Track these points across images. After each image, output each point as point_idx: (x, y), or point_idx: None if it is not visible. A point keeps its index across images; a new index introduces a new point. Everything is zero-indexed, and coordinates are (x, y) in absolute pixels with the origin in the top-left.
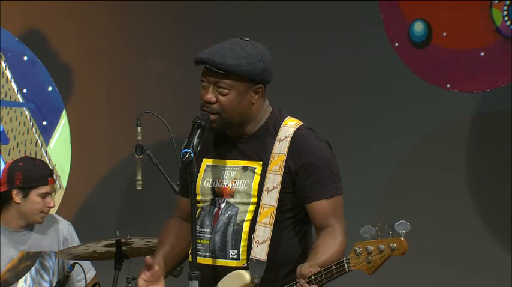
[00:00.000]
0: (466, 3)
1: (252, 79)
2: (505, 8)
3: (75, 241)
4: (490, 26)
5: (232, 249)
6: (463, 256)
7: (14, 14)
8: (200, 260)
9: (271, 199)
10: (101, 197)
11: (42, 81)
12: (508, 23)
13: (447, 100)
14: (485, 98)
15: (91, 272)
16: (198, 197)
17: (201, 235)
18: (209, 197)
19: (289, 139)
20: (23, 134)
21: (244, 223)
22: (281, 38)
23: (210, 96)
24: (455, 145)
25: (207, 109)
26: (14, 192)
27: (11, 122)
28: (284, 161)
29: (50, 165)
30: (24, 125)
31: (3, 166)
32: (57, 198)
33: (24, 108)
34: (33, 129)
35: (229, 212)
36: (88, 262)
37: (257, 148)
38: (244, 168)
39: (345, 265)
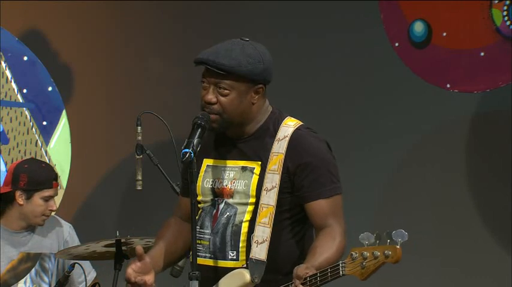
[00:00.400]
0: (466, 3)
1: (252, 79)
2: (505, 8)
3: (75, 243)
4: (490, 26)
5: (231, 250)
6: (463, 256)
7: (14, 14)
8: (200, 261)
9: (270, 198)
10: (101, 197)
11: (42, 81)
12: (508, 23)
13: (447, 100)
14: (485, 98)
15: (92, 274)
16: (199, 198)
17: (201, 235)
18: (209, 198)
19: (287, 139)
20: (23, 134)
21: (243, 224)
22: (281, 38)
23: (211, 96)
24: (455, 145)
25: (208, 110)
26: (18, 193)
27: (11, 122)
28: (282, 160)
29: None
30: (24, 125)
31: (3, 166)
32: (57, 198)
33: (24, 108)
34: (33, 129)
35: (228, 213)
36: (88, 263)
37: (256, 147)
38: (243, 168)
39: (340, 269)
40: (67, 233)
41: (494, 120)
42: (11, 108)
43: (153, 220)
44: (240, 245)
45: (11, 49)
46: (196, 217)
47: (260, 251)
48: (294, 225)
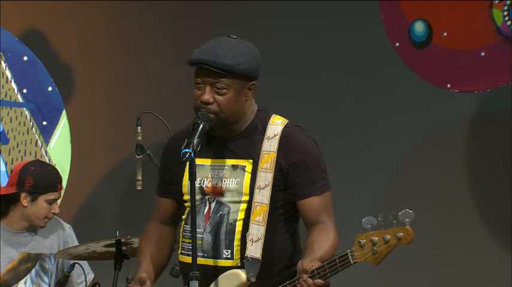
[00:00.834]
0: (467, 3)
1: (248, 77)
2: (506, 8)
3: (75, 243)
4: (491, 26)
5: (225, 249)
6: (463, 256)
7: (14, 14)
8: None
9: (263, 197)
10: (101, 197)
11: (42, 81)
12: (509, 23)
13: (447, 100)
14: (485, 98)
15: (90, 275)
16: (185, 197)
17: (192, 235)
18: (198, 197)
19: (278, 137)
20: (23, 134)
21: (237, 223)
22: (281, 38)
23: (208, 97)
24: (455, 145)
25: (204, 110)
26: (23, 195)
27: (11, 122)
28: (275, 159)
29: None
30: (24, 125)
31: (3, 166)
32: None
33: (24, 108)
34: (33, 129)
35: (220, 212)
36: (87, 265)
37: (246, 146)
38: (234, 167)
39: (349, 257)
40: (67, 234)
41: (494, 120)
42: (11, 108)
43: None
44: (235, 243)
45: (11, 49)
46: (184, 217)
47: (255, 250)
48: (286, 222)
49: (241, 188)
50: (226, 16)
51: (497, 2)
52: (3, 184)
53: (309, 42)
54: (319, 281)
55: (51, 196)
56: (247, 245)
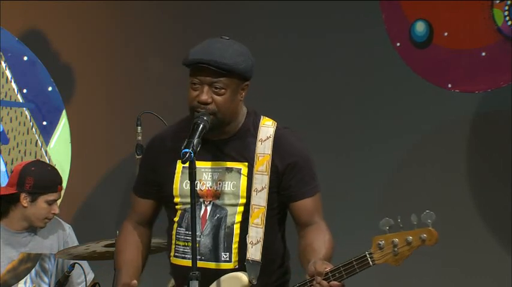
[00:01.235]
0: (467, 3)
1: (244, 77)
2: (506, 8)
3: (75, 243)
4: (491, 26)
5: (224, 252)
6: (463, 256)
7: (14, 14)
8: (187, 263)
9: (260, 199)
10: (101, 197)
11: (42, 81)
12: (509, 23)
13: (447, 100)
14: (485, 98)
15: (90, 275)
16: (177, 199)
17: (188, 238)
18: (189, 199)
19: (271, 139)
20: (23, 134)
21: (235, 225)
22: (281, 38)
23: (206, 97)
24: (455, 145)
25: (203, 110)
26: (23, 196)
27: (11, 122)
28: (270, 161)
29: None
30: (24, 125)
31: (3, 166)
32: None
33: (24, 108)
34: (33, 129)
35: (218, 215)
36: (87, 265)
37: (239, 148)
38: (229, 169)
39: (368, 259)
40: (67, 234)
41: (495, 120)
42: (11, 108)
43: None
44: (233, 246)
45: (11, 49)
46: (176, 219)
47: (255, 252)
48: (279, 223)
49: (237, 191)
50: (226, 16)
51: (497, 2)
52: (3, 184)
53: (309, 42)
54: (335, 283)
55: (51, 196)
56: (247, 248)
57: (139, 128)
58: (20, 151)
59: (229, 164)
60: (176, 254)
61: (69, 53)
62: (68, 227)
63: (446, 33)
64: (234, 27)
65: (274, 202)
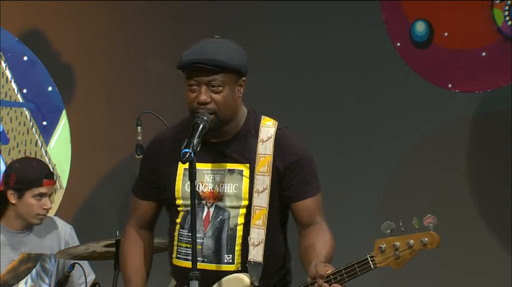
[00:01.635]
0: (467, 3)
1: (240, 72)
2: (506, 8)
3: (75, 244)
4: (491, 26)
5: (227, 254)
6: (463, 256)
7: (14, 14)
8: (190, 264)
9: (262, 200)
10: (101, 197)
11: (42, 81)
12: (509, 23)
13: (447, 100)
14: (485, 98)
15: (91, 276)
16: (179, 202)
17: (190, 239)
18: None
19: (272, 140)
20: (23, 134)
21: (238, 227)
22: (281, 38)
23: (205, 97)
24: (455, 145)
25: (203, 110)
26: (9, 193)
27: (11, 122)
28: (271, 162)
29: (49, 166)
30: (24, 125)
31: (3, 166)
32: (57, 198)
33: (24, 108)
34: (33, 129)
35: (220, 217)
36: (88, 265)
37: (241, 149)
38: (231, 171)
39: (370, 262)
40: (68, 235)
41: (495, 120)
42: (11, 108)
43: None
44: (236, 248)
45: (11, 49)
46: (178, 220)
47: (257, 254)
48: (280, 224)
49: (240, 193)
50: (226, 16)
51: (498, 2)
52: None
53: (309, 42)
54: (336, 285)
55: (36, 191)
56: (249, 249)
57: (139, 128)
58: (20, 151)
59: (231, 166)
60: (178, 255)
61: (69, 53)
62: (69, 227)
63: (446, 33)
64: (234, 27)
65: (276, 203)
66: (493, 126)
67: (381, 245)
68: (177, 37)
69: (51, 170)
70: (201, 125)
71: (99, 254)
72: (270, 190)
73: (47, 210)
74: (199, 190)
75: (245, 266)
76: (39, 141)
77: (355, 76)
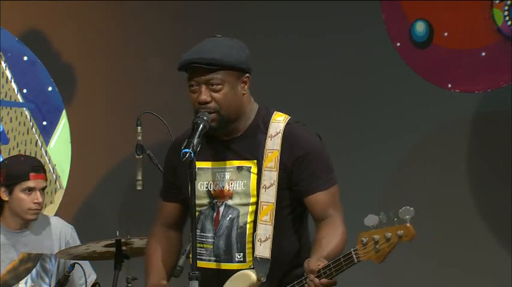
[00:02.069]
0: (467, 3)
1: (240, 69)
2: (506, 8)
3: (76, 244)
4: (491, 26)
5: (238, 252)
6: (463, 256)
7: (14, 14)
8: (204, 264)
9: (269, 196)
10: (101, 197)
11: (42, 81)
12: (509, 23)
13: (447, 100)
14: (485, 98)
15: (92, 276)
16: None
17: (203, 239)
18: (206, 201)
19: (280, 135)
20: (23, 134)
21: (247, 225)
22: (281, 38)
23: (205, 96)
24: (455, 145)
25: (205, 110)
26: (1, 190)
27: (11, 122)
28: (278, 157)
29: (39, 160)
30: (24, 125)
31: None
32: (57, 198)
33: (24, 108)
34: (33, 129)
35: (230, 215)
36: (89, 265)
37: (249, 146)
38: (239, 168)
39: (353, 256)
40: (69, 235)
41: (495, 120)
42: (11, 108)
43: (153, 220)
44: (247, 246)
45: (11, 49)
46: None
47: (264, 250)
48: (294, 220)
49: (248, 190)
50: (226, 16)
51: (497, 2)
52: None
53: (309, 42)
54: (324, 280)
55: (24, 185)
56: (255, 245)
57: (139, 128)
58: (20, 151)
59: (239, 163)
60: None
61: (69, 53)
62: (70, 227)
63: (446, 33)
64: (234, 27)
65: (285, 199)
66: (493, 126)
67: (363, 239)
68: (177, 37)
69: (40, 165)
70: (201, 125)
71: (99, 254)
72: (278, 185)
73: (39, 204)
74: (211, 189)
75: None
76: (39, 141)
77: (355, 76)
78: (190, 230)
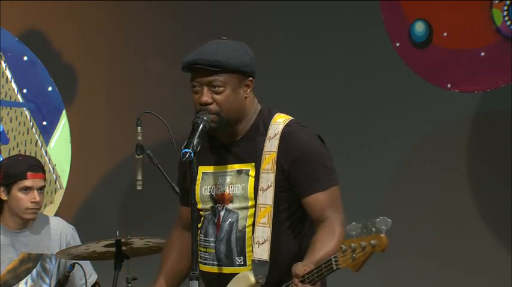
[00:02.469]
0: (467, 3)
1: (242, 72)
2: (505, 8)
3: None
4: (490, 26)
5: (238, 256)
6: (463, 256)
7: (14, 14)
8: (207, 268)
9: (266, 198)
10: (101, 197)
11: (42, 81)
12: (508, 23)
13: (447, 100)
14: (485, 98)
15: (93, 277)
16: (199, 206)
17: (206, 244)
18: (209, 205)
19: (278, 136)
20: (23, 134)
21: (247, 229)
22: (281, 38)
23: (206, 97)
24: (455, 145)
25: (205, 111)
26: (1, 190)
27: (11, 122)
28: (275, 159)
29: (38, 160)
30: (24, 125)
31: None
32: (57, 198)
33: (24, 108)
34: (33, 129)
35: (230, 219)
36: (90, 265)
37: (249, 149)
38: (239, 172)
39: (333, 263)
40: (70, 235)
41: (495, 120)
42: (11, 108)
43: (153, 220)
44: (247, 250)
45: (11, 49)
46: (199, 225)
47: (262, 252)
48: (294, 223)
49: (246, 193)
50: (226, 16)
51: (497, 2)
52: None
53: (309, 42)
54: (307, 285)
55: (21, 184)
56: (253, 248)
57: (139, 128)
58: (20, 151)
59: (239, 167)
60: (200, 260)
61: (69, 53)
62: (71, 228)
63: (445, 34)
64: (234, 27)
65: (283, 201)
66: (493, 126)
67: (342, 246)
68: (177, 37)
69: (38, 164)
70: (201, 125)
71: (99, 254)
72: (275, 187)
73: (36, 203)
74: (213, 193)
75: None
76: (39, 141)
77: (355, 76)
78: (191, 231)
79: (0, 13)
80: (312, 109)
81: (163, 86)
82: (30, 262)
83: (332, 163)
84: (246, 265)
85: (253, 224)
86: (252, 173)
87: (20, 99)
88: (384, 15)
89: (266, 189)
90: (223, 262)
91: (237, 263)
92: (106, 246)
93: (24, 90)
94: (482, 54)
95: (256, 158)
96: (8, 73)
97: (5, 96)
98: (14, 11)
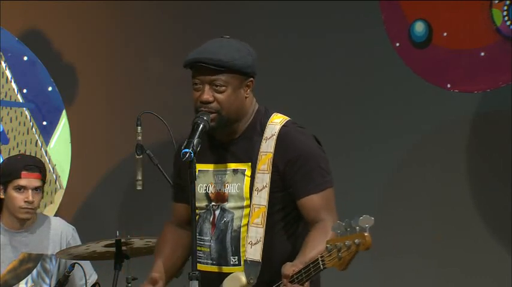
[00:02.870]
0: (467, 3)
1: (244, 72)
2: (505, 8)
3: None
4: (490, 26)
5: (232, 255)
6: (463, 256)
7: (14, 14)
8: (202, 267)
9: (261, 198)
10: (101, 197)
11: (42, 81)
12: (508, 23)
13: (447, 100)
14: (485, 98)
15: (93, 277)
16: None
17: (201, 243)
18: (204, 204)
19: (275, 137)
20: (23, 134)
21: (241, 229)
22: (281, 38)
23: (207, 96)
24: (455, 145)
25: (205, 109)
26: (0, 188)
27: (11, 122)
28: (271, 159)
29: (37, 160)
30: (24, 125)
31: None
32: (57, 198)
33: (24, 108)
34: (33, 129)
35: (225, 219)
36: (90, 266)
37: (246, 148)
38: (235, 171)
39: (320, 263)
40: (70, 236)
41: (494, 120)
42: (11, 108)
43: (153, 220)
44: (241, 249)
45: (11, 49)
46: None
47: (254, 252)
48: (288, 224)
49: (241, 192)
50: (226, 16)
51: (496, 2)
52: None
53: (309, 42)
54: (296, 285)
55: (15, 183)
56: (246, 248)
57: (139, 128)
58: (20, 151)
59: (235, 166)
60: (197, 259)
61: (69, 53)
62: (71, 228)
63: (445, 34)
64: (234, 27)
65: (277, 202)
66: (493, 126)
67: (328, 246)
68: (177, 37)
69: (35, 164)
70: (201, 125)
71: (99, 254)
72: (270, 188)
73: (30, 203)
74: (209, 191)
75: None
76: (39, 141)
77: (355, 76)
78: (186, 228)
79: (0, 13)
80: (312, 109)
81: (163, 86)
82: (30, 262)
83: (328, 164)
84: (240, 265)
85: (248, 224)
86: (248, 172)
87: (20, 99)
88: (383, 15)
89: (261, 189)
90: (218, 261)
91: (232, 262)
92: (106, 246)
93: (24, 90)
94: (482, 54)
95: (252, 158)
96: (8, 73)
97: (5, 96)
98: (14, 11)
